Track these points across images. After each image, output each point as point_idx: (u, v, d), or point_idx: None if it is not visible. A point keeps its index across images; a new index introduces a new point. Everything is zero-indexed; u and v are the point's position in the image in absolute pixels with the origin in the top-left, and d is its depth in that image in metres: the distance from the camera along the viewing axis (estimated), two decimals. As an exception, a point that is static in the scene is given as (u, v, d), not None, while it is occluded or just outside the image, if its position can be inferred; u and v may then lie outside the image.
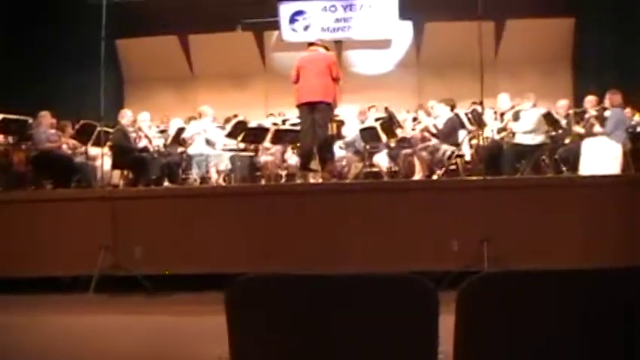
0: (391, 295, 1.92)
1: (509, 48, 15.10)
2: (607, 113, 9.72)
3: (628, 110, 10.70)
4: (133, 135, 10.66)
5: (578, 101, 11.96)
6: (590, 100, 10.48)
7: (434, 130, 10.77)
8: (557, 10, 15.08)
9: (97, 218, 7.49)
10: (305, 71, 9.21)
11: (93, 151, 10.38)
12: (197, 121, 11.65)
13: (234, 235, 7.37)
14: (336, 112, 10.66)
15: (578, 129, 10.36)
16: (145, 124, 11.17)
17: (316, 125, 9.10)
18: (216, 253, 7.32)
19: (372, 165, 11.46)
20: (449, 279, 5.55)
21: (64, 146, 10.69)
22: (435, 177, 10.03)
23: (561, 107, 11.28)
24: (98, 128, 9.62)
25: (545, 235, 6.94)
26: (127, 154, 10.23)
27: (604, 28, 14.34)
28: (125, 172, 10.66)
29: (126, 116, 10.63)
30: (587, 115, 10.26)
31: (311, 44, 9.71)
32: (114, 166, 10.35)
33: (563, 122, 10.93)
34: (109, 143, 10.08)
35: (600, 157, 9.25)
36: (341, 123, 11.70)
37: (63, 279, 7.71)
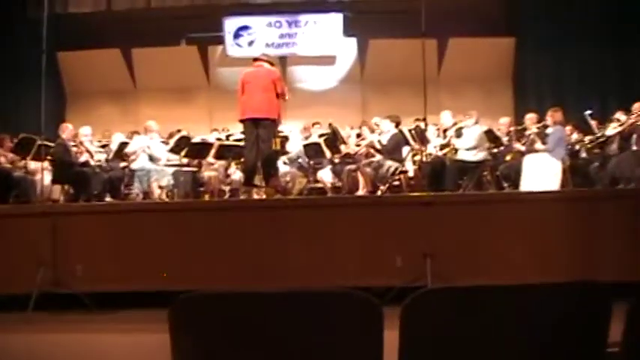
0: (335, 311, 1.91)
1: (451, 66, 15.29)
2: (548, 130, 9.91)
3: (568, 128, 10.94)
4: (74, 149, 10.51)
5: (518, 119, 12.16)
6: (530, 118, 10.66)
7: (378, 146, 10.84)
8: (498, 30, 15.43)
9: (36, 234, 7.30)
10: (249, 86, 9.16)
11: (32, 165, 10.19)
12: (141, 136, 11.54)
13: (176, 252, 7.26)
14: (280, 127, 10.66)
15: (519, 146, 10.55)
16: (87, 139, 11.01)
17: (260, 140, 9.06)
18: (159, 270, 7.20)
19: (316, 180, 11.49)
20: (392, 294, 5.57)
21: (2, 160, 10.45)
22: (378, 193, 10.09)
23: (503, 124, 11.49)
24: (38, 142, 9.44)
25: (488, 251, 7.00)
26: (67, 169, 10.07)
27: (543, 47, 14.69)
28: (66, 187, 10.48)
29: (67, 130, 10.47)
30: (527, 132, 10.45)
31: (255, 59, 9.66)
32: (54, 181, 10.16)
33: (505, 139, 11.12)
34: (49, 157, 9.91)
35: (541, 174, 9.43)
36: (285, 139, 11.69)
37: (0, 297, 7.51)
